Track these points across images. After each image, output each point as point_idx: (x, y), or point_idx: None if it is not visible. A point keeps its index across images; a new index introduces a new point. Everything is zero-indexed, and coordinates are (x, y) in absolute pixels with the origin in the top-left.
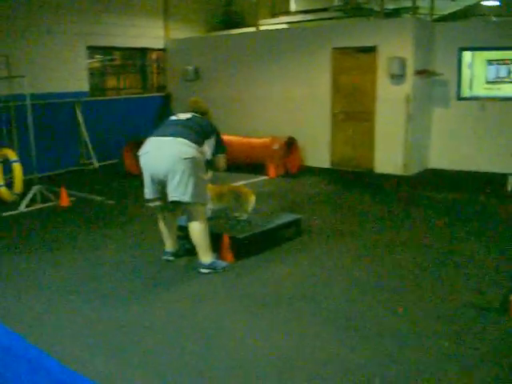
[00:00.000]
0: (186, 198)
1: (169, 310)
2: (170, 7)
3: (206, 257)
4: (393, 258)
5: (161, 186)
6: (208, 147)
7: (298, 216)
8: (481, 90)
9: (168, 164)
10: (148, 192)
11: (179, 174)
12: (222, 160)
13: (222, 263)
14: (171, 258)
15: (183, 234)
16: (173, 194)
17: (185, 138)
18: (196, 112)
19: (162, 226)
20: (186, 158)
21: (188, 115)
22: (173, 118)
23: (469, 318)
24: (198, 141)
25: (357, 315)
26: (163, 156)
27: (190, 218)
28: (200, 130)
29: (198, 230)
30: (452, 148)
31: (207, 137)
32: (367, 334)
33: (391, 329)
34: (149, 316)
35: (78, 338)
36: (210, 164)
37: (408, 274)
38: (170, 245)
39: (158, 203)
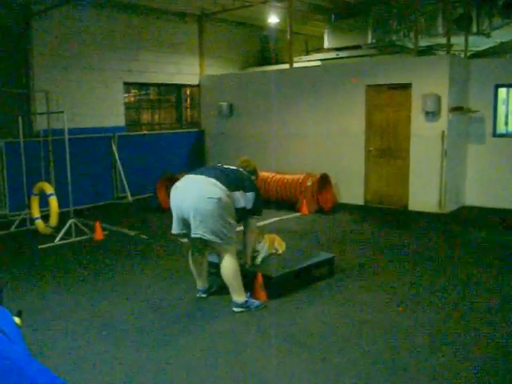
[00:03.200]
0: (208, 236)
1: (203, 349)
2: (206, 45)
3: (238, 296)
4: (428, 298)
5: (185, 222)
6: (242, 198)
7: (331, 255)
8: None
9: (191, 202)
10: (174, 227)
11: (202, 213)
12: (254, 223)
13: (255, 302)
14: (204, 296)
15: (215, 271)
16: (195, 231)
17: (215, 179)
18: (243, 169)
19: (191, 264)
20: (210, 198)
21: (233, 167)
22: (218, 164)
23: None
24: (230, 186)
25: (391, 356)
26: (189, 193)
27: (220, 258)
28: (236, 180)
29: (227, 270)
30: (488, 185)
31: (243, 189)
32: (404, 375)
33: (429, 373)
34: (183, 356)
35: (108, 378)
36: (242, 217)
37: (445, 316)
38: (201, 282)
39: (184, 240)
